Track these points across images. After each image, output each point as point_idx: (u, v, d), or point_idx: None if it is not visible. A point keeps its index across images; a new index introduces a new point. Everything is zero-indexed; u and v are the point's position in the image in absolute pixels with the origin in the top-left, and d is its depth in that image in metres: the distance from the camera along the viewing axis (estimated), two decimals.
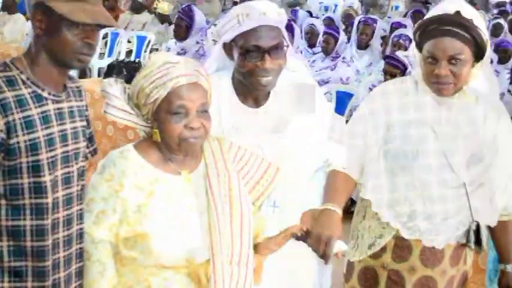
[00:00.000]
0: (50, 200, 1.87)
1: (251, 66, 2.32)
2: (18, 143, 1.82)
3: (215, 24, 2.63)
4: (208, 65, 2.52)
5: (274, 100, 2.48)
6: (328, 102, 5.71)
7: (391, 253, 2.44)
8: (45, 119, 1.87)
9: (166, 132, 1.98)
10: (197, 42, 6.51)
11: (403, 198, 2.37)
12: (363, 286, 2.52)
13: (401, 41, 6.50)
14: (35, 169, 1.85)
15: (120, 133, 5.66)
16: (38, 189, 1.86)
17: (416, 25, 2.38)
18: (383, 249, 2.45)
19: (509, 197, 2.47)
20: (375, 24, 7.38)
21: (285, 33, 2.42)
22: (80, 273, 2.00)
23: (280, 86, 2.45)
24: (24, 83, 1.86)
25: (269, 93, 2.47)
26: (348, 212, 2.59)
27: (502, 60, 7.77)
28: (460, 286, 2.54)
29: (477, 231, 2.40)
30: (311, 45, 7.55)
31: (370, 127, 2.44)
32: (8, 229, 1.85)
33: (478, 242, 2.41)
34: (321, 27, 7.68)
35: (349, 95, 6.13)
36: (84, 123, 2.04)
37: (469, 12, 2.26)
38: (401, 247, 2.42)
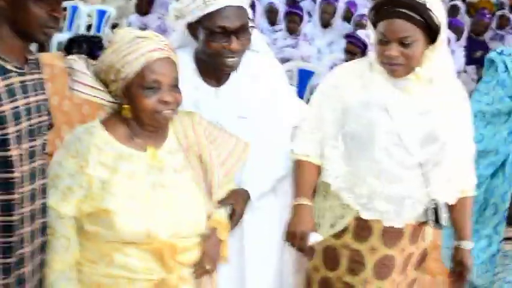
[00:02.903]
0: (17, 174, 1.86)
1: (217, 48, 2.31)
2: None
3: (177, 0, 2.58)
4: (171, 41, 2.47)
5: (236, 80, 2.47)
6: (290, 81, 5.76)
7: (352, 233, 2.47)
8: (11, 92, 1.84)
9: (139, 108, 1.98)
10: (159, 18, 6.47)
11: (361, 180, 2.40)
12: (325, 265, 2.55)
13: (363, 20, 6.54)
14: (2, 143, 1.82)
15: (76, 108, 5.61)
16: (5, 164, 1.84)
17: (371, 5, 2.39)
18: (344, 229, 2.48)
19: (465, 174, 2.52)
20: (336, 3, 7.40)
21: (250, 14, 2.40)
22: (43, 248, 2.00)
23: (243, 66, 2.44)
24: None
25: (231, 73, 2.46)
26: None
27: (455, 39, 7.89)
28: (419, 262, 2.59)
29: (436, 210, 2.44)
30: (271, 23, 7.55)
31: (326, 110, 2.46)
32: None
33: (437, 220, 2.45)
34: (279, 5, 7.68)
35: (311, 73, 6.16)
36: (45, 96, 2.02)
37: None
38: (362, 227, 2.46)
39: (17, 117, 1.85)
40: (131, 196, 1.98)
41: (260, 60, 2.54)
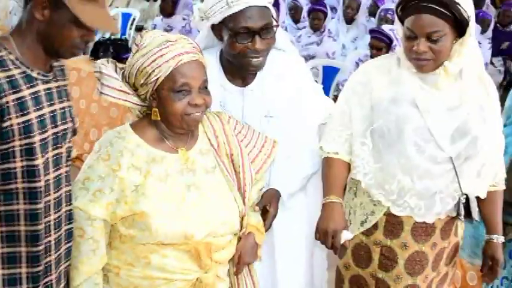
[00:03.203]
0: (42, 183, 1.84)
1: (241, 48, 2.31)
2: (11, 125, 1.76)
3: (202, 0, 2.56)
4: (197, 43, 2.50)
5: (261, 80, 2.48)
6: (315, 78, 5.74)
7: (383, 230, 2.47)
8: (37, 100, 1.82)
9: (169, 111, 1.99)
10: (183, 19, 6.49)
11: (391, 176, 2.39)
12: (356, 262, 2.55)
13: (388, 15, 6.49)
14: (28, 152, 1.80)
15: (103, 111, 5.66)
16: (31, 173, 1.81)
17: (398, 0, 2.36)
18: (375, 226, 2.48)
19: (497, 168, 2.50)
20: None
21: (274, 13, 2.40)
22: (68, 254, 2.00)
23: (268, 66, 2.44)
24: (13, 63, 1.79)
25: (256, 73, 2.47)
26: None
27: (481, 31, 7.83)
28: (451, 257, 2.58)
29: (467, 204, 2.43)
30: (295, 20, 7.55)
31: (355, 107, 2.45)
32: (0, 214, 1.82)
33: (468, 214, 2.43)
34: (303, 2, 7.66)
35: (336, 70, 6.15)
36: (71, 102, 2.00)
37: None
38: (393, 223, 2.45)
39: (43, 125, 1.83)
40: (166, 198, 1.99)
41: (286, 59, 2.54)
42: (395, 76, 2.40)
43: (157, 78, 1.97)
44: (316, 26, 6.81)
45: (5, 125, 1.76)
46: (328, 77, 6.12)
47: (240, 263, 2.18)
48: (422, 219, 2.43)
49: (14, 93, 1.77)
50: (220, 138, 2.15)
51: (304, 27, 7.13)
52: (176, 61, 1.96)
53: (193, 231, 1.99)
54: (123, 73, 2.04)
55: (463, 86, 2.36)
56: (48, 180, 1.87)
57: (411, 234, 2.45)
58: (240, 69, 2.42)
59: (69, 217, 1.98)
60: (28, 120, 1.79)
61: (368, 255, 2.51)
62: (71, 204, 1.98)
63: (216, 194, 2.08)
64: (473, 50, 2.34)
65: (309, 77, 2.67)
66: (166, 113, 2.00)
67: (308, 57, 6.49)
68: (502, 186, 2.55)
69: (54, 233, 1.91)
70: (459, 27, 2.26)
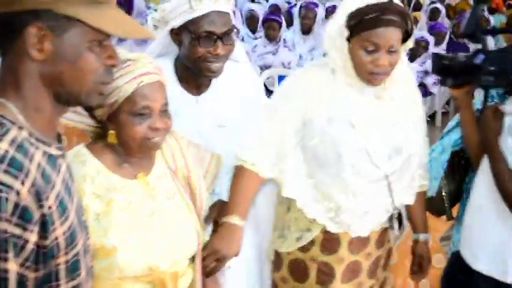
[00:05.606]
0: None
1: (203, 52, 2.31)
2: (56, 238, 1.27)
3: (155, 10, 2.52)
4: (151, 50, 2.47)
5: (216, 89, 2.47)
6: (271, 87, 5.73)
7: (320, 246, 2.43)
8: (68, 189, 1.34)
9: (127, 134, 1.85)
10: None
11: (326, 194, 2.34)
12: (293, 277, 2.50)
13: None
14: (74, 267, 1.33)
15: None
16: None
17: (348, 14, 2.20)
18: (311, 243, 2.42)
19: (422, 172, 2.54)
20: (316, 9, 7.35)
21: (234, 19, 2.41)
22: None
23: (222, 75, 2.42)
24: (30, 142, 1.26)
25: (210, 81, 2.46)
26: None
27: (436, 42, 7.98)
28: (387, 263, 2.61)
29: (399, 216, 2.46)
30: (252, 30, 7.54)
31: (287, 117, 2.31)
32: None
33: (400, 224, 2.47)
34: (260, 12, 7.66)
35: None
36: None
37: None
38: (330, 240, 2.41)
39: (80, 224, 1.37)
40: (129, 229, 1.86)
41: (240, 70, 2.55)
42: (330, 92, 2.29)
43: (116, 100, 1.82)
44: (271, 36, 6.82)
45: (47, 242, 1.25)
46: None
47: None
48: (358, 234, 2.42)
49: (51, 189, 1.27)
50: (178, 162, 2.04)
51: (261, 36, 7.13)
52: (137, 82, 1.82)
53: (158, 263, 1.88)
54: None
55: (398, 98, 2.34)
56: None
57: (348, 248, 2.44)
58: (196, 75, 2.40)
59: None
60: (71, 225, 1.31)
61: (304, 271, 2.46)
62: None
63: (177, 219, 1.97)
64: (404, 60, 2.35)
65: (262, 89, 2.69)
66: (125, 136, 1.86)
67: (264, 67, 6.49)
68: (425, 187, 2.59)
69: None
70: (405, 36, 2.24)
